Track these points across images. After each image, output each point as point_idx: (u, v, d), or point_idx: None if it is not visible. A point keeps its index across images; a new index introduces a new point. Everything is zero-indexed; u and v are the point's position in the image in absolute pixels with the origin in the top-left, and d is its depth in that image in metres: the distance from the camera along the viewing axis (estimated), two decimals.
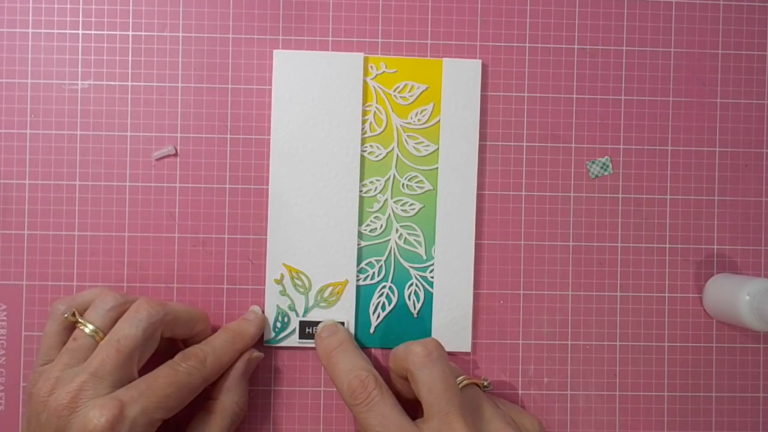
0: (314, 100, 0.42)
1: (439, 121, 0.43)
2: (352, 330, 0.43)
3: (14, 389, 0.43)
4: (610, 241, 0.44)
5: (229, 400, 0.39)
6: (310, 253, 0.43)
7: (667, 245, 0.44)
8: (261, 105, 0.43)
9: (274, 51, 0.42)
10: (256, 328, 0.41)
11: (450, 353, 0.43)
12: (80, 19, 0.43)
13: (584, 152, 0.44)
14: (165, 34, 0.43)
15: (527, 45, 0.44)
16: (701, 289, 0.44)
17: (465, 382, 0.38)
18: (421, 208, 0.43)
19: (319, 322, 0.42)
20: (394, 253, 0.43)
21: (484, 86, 0.44)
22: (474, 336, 0.43)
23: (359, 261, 0.43)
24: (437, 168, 0.43)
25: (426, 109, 0.43)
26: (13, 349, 0.43)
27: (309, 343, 0.43)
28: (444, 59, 0.43)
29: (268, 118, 0.43)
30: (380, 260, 0.43)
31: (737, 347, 0.44)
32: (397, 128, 0.43)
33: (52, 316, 0.38)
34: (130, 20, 0.43)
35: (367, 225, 0.43)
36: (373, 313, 0.43)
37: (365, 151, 0.43)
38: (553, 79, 0.44)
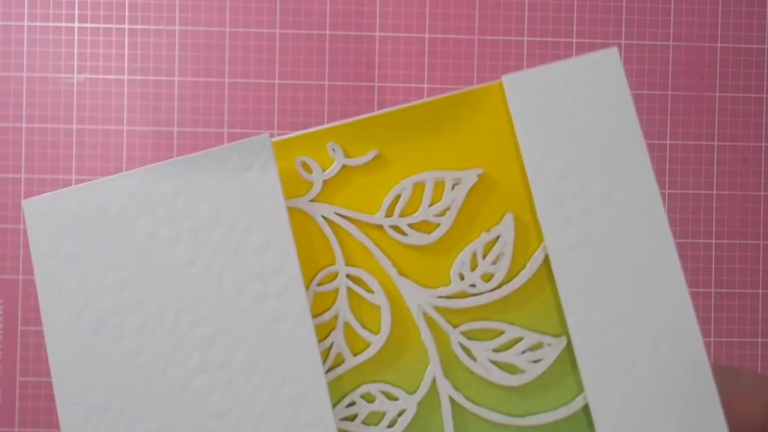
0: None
1: (544, 258, 0.18)
2: None
3: (11, 384, 0.43)
4: None
5: None
6: None
7: None
8: (258, 99, 0.43)
9: (23, 203, 0.20)
10: None
11: None
12: (76, 12, 0.43)
13: None
14: (162, 27, 0.43)
15: (525, 39, 0.44)
16: (699, 284, 0.44)
17: None
18: None
19: None
20: None
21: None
22: None
23: None
24: (581, 410, 0.17)
25: (499, 247, 0.17)
26: (9, 344, 0.43)
27: None
28: (504, 77, 0.19)
29: (269, 112, 0.43)
30: None
31: (735, 341, 0.44)
32: (425, 317, 0.17)
33: None
34: (126, 13, 0.43)
35: None
36: None
37: (351, 416, 0.17)
38: None
